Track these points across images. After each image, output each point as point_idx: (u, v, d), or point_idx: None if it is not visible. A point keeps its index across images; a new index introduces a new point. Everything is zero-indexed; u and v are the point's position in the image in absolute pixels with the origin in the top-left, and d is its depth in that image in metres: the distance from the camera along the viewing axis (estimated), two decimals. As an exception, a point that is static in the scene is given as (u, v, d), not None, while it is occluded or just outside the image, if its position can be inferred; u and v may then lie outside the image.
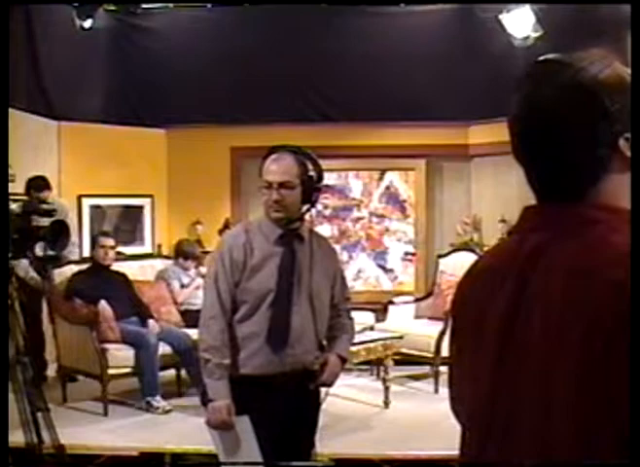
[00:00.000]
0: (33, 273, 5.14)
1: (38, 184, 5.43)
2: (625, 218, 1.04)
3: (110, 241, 5.57)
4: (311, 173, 2.69)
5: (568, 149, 1.07)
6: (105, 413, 5.00)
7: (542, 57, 1.12)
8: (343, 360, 2.78)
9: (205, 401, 2.63)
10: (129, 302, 5.48)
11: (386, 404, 5.28)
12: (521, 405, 1.05)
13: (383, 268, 7.40)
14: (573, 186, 1.07)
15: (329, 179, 7.18)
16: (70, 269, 5.52)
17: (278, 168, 2.66)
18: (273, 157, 2.70)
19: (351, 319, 2.91)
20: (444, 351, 5.46)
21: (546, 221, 1.10)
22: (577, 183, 1.07)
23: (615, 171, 1.06)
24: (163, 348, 5.26)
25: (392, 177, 7.37)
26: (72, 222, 5.09)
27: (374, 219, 7.39)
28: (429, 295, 6.49)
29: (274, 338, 2.63)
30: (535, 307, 1.04)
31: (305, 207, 2.72)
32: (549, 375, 1.01)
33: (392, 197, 7.37)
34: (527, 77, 1.11)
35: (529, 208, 1.13)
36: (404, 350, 5.68)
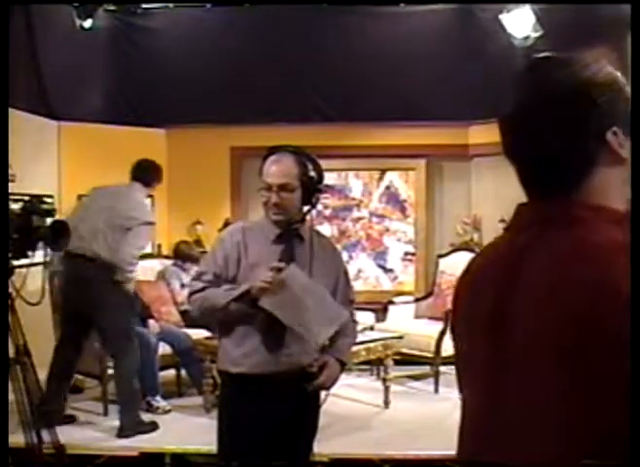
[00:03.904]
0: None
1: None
2: (608, 217, 1.06)
3: (110, 241, 5.56)
4: (312, 174, 2.67)
5: (556, 141, 1.08)
6: (105, 413, 5.00)
7: (533, 56, 1.14)
8: (343, 364, 2.75)
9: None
10: (129, 302, 5.48)
11: (386, 404, 5.28)
12: (508, 402, 1.07)
13: (383, 268, 7.40)
14: (561, 181, 1.09)
15: (329, 179, 7.15)
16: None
17: (278, 170, 2.64)
18: (273, 158, 2.68)
19: (355, 322, 2.89)
20: (445, 351, 5.47)
21: (534, 218, 1.12)
22: (565, 177, 1.09)
23: (602, 165, 1.08)
24: (163, 348, 5.27)
25: (392, 177, 7.37)
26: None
27: (374, 219, 7.39)
28: (429, 295, 6.50)
29: (270, 337, 2.62)
30: (521, 306, 1.06)
31: (306, 208, 2.71)
32: (532, 370, 1.03)
33: (392, 197, 7.36)
34: (519, 75, 1.14)
35: (522, 206, 1.15)
36: (404, 350, 5.68)
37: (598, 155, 1.07)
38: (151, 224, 4.92)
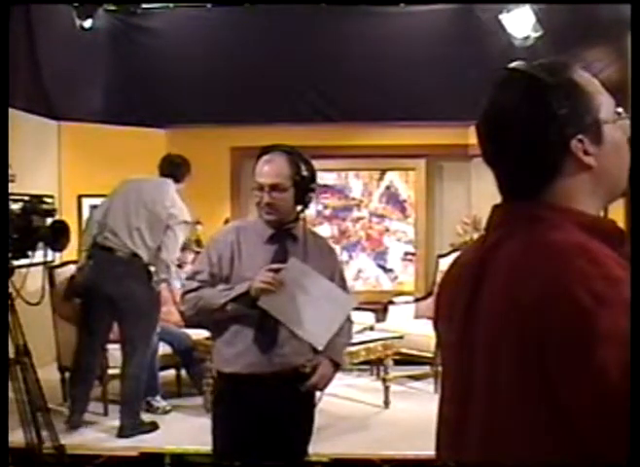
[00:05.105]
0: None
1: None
2: (573, 218, 1.08)
3: (110, 241, 5.56)
4: (304, 174, 2.65)
5: (521, 152, 1.11)
6: (105, 413, 5.00)
7: (502, 68, 1.17)
8: (337, 364, 2.74)
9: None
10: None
11: (386, 404, 5.28)
12: (475, 402, 1.11)
13: (383, 268, 7.40)
14: (528, 186, 1.12)
15: (329, 179, 7.20)
16: (70, 270, 5.52)
17: (270, 170, 2.63)
18: (265, 158, 2.67)
19: (350, 322, 2.87)
20: (444, 351, 5.46)
21: (504, 219, 1.16)
22: (531, 183, 1.12)
23: (568, 171, 1.10)
24: (163, 348, 5.27)
25: (392, 177, 7.37)
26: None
27: (374, 219, 7.39)
28: (429, 295, 6.49)
29: (262, 337, 2.62)
30: (486, 305, 1.10)
31: (299, 208, 2.71)
32: (496, 368, 1.06)
33: (392, 197, 7.37)
34: (492, 85, 1.17)
35: (496, 207, 1.18)
36: (404, 350, 5.68)
37: (562, 162, 1.10)
38: (188, 223, 4.85)
